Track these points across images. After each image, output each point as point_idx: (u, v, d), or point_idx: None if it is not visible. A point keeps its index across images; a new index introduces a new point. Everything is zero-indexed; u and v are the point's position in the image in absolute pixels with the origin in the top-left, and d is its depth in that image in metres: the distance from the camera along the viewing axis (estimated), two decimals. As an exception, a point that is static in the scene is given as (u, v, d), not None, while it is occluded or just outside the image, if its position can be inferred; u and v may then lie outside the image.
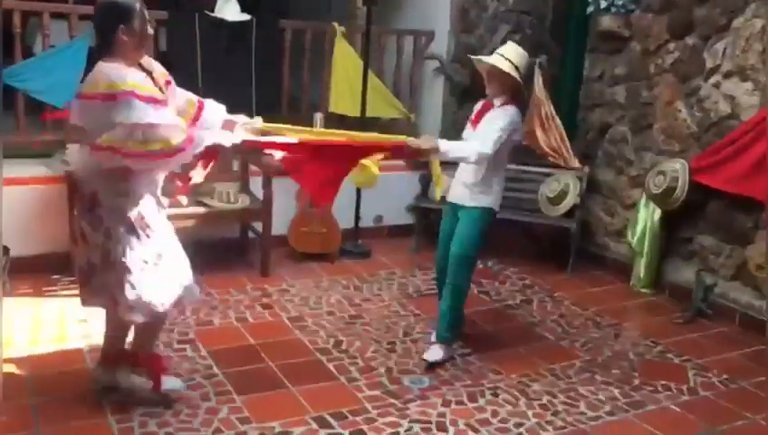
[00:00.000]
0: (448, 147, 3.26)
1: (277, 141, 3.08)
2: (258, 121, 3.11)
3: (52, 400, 3.00)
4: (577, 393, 3.35)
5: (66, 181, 4.18)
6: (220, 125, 3.02)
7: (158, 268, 2.80)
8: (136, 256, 2.75)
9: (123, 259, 2.73)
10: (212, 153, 2.83)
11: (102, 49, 2.69)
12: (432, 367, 3.47)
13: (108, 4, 2.70)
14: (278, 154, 3.09)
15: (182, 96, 2.98)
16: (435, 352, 3.51)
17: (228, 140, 2.83)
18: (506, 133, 3.33)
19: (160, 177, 2.89)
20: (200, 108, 3.02)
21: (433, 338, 3.59)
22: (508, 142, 3.39)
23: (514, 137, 3.42)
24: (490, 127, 3.33)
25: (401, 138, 3.34)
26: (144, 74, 2.72)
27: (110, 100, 2.57)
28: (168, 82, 2.85)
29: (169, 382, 3.05)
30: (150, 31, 2.77)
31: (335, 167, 3.13)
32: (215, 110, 3.05)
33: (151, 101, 2.64)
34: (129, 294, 2.75)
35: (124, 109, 2.57)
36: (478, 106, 3.55)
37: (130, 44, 2.68)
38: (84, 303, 2.96)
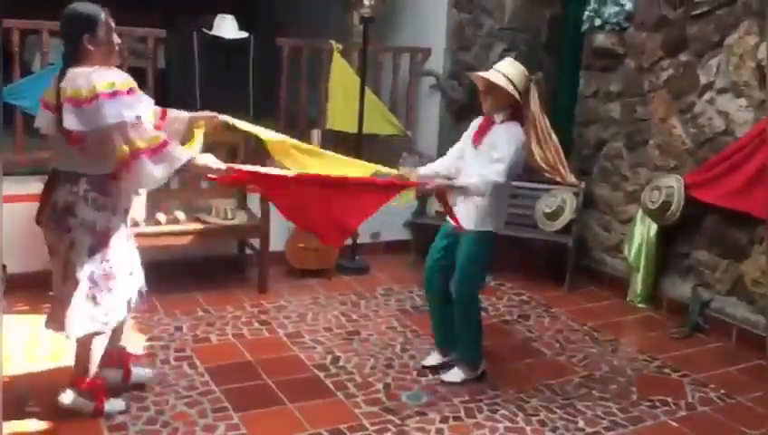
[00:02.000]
0: (464, 184, 3.22)
1: (267, 173, 2.97)
2: (223, 116, 3.12)
3: (48, 416, 2.99)
4: (575, 409, 3.35)
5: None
6: (186, 124, 3.08)
7: (110, 287, 2.86)
8: (93, 271, 2.82)
9: (79, 274, 2.79)
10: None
11: (70, 57, 2.74)
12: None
13: (72, 14, 2.76)
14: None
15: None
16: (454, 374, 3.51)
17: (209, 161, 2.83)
18: (517, 155, 3.27)
19: (133, 192, 2.96)
20: (164, 112, 3.08)
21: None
22: (516, 163, 3.32)
23: (520, 159, 3.34)
24: (499, 153, 3.23)
25: (393, 172, 3.31)
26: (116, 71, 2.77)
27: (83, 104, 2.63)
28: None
29: (112, 405, 3.03)
30: (117, 40, 2.82)
31: (340, 210, 3.02)
32: (177, 112, 3.11)
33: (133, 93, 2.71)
34: (78, 307, 2.81)
35: (113, 108, 2.62)
36: (478, 122, 3.45)
37: (96, 53, 2.74)
38: (47, 325, 3.00)
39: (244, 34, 4.91)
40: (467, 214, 3.33)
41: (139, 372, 3.28)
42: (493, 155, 3.26)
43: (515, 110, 3.31)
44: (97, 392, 3.00)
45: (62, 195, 2.79)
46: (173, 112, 3.11)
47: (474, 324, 3.51)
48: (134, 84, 2.75)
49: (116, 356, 3.20)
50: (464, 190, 3.24)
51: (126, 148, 2.66)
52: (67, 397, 2.98)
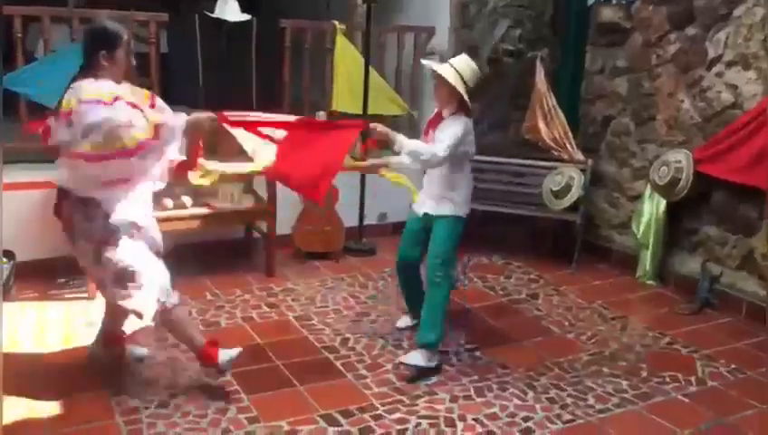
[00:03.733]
0: (405, 142, 3.35)
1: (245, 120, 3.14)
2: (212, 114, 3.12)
3: (59, 401, 3.01)
4: (585, 386, 3.35)
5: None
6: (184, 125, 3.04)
7: (145, 269, 2.95)
8: (127, 256, 2.90)
9: (116, 259, 2.88)
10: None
11: (85, 69, 2.86)
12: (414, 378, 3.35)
13: (96, 30, 2.89)
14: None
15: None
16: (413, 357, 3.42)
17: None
18: (459, 140, 3.32)
19: (150, 185, 3.01)
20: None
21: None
22: (462, 152, 3.39)
23: (468, 148, 3.42)
24: (444, 134, 3.34)
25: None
26: (123, 87, 2.86)
27: (77, 111, 2.74)
28: (152, 104, 2.95)
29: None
30: (133, 62, 2.98)
31: (316, 162, 3.15)
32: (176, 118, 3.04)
33: (122, 101, 2.77)
34: (124, 290, 2.93)
35: (89, 114, 2.71)
36: (430, 117, 3.58)
37: (110, 70, 2.85)
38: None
39: (247, 17, 4.87)
40: (430, 202, 3.50)
41: (135, 352, 3.41)
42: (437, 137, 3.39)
43: (461, 103, 3.35)
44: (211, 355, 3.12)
45: (65, 207, 2.93)
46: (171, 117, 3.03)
47: (444, 308, 3.49)
48: (122, 95, 2.80)
49: (113, 338, 3.34)
50: (403, 147, 3.34)
51: (134, 138, 2.74)
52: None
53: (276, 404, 3.09)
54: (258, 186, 4.64)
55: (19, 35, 4.27)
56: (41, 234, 4.21)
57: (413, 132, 5.21)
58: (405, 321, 3.90)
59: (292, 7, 6.88)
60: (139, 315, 3.00)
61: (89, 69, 2.85)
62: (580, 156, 4.94)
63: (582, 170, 4.92)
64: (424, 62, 3.63)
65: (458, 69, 3.33)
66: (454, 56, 5.27)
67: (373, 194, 5.03)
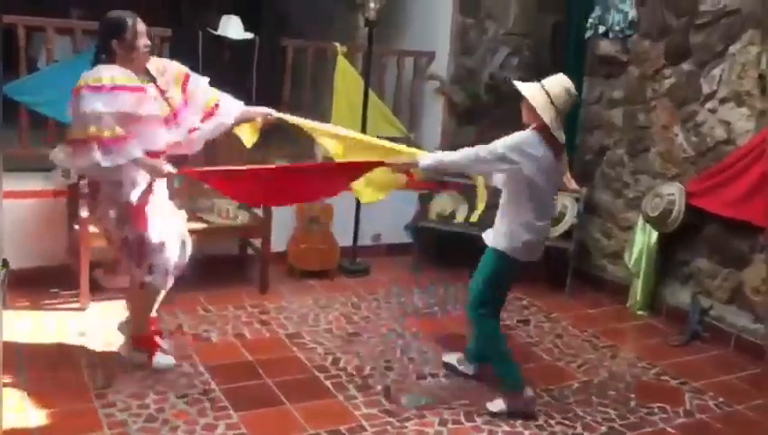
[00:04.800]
0: (431, 157, 3.30)
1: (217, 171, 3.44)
2: (272, 111, 3.49)
3: (48, 412, 3.00)
4: (574, 414, 3.36)
5: (66, 195, 4.20)
6: (236, 115, 3.41)
7: (165, 241, 3.22)
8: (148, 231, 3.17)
9: (138, 234, 3.15)
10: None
11: (99, 56, 3.11)
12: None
13: (105, 20, 3.16)
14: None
15: (203, 93, 3.33)
16: (496, 404, 3.33)
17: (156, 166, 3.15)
18: (512, 149, 3.08)
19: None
20: (216, 105, 3.36)
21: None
22: (520, 176, 3.11)
23: (530, 172, 3.08)
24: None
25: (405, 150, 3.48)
26: (125, 71, 3.07)
27: (75, 94, 3.01)
28: (184, 82, 3.29)
29: (163, 359, 3.44)
30: (142, 42, 3.11)
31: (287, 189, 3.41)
32: (231, 104, 3.40)
33: (120, 88, 3.01)
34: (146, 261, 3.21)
35: (81, 100, 2.98)
36: None
37: (121, 54, 3.08)
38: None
39: (250, 35, 4.92)
40: (494, 228, 3.31)
41: (162, 360, 3.47)
42: None
43: (544, 127, 3.11)
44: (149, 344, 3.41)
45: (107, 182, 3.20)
46: (224, 105, 3.37)
47: (494, 352, 3.36)
48: (127, 81, 3.05)
49: (142, 339, 3.45)
50: (435, 161, 3.28)
51: (90, 131, 2.97)
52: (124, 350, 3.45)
53: (265, 422, 3.08)
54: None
55: (22, 44, 4.30)
56: (35, 242, 4.21)
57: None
58: (453, 357, 3.66)
59: (294, 27, 6.96)
60: (150, 287, 3.29)
61: (106, 55, 3.09)
62: (574, 185, 4.99)
63: (576, 199, 4.97)
64: (517, 84, 3.19)
65: (549, 91, 3.11)
66: (453, 81, 5.44)
67: (368, 215, 5.05)
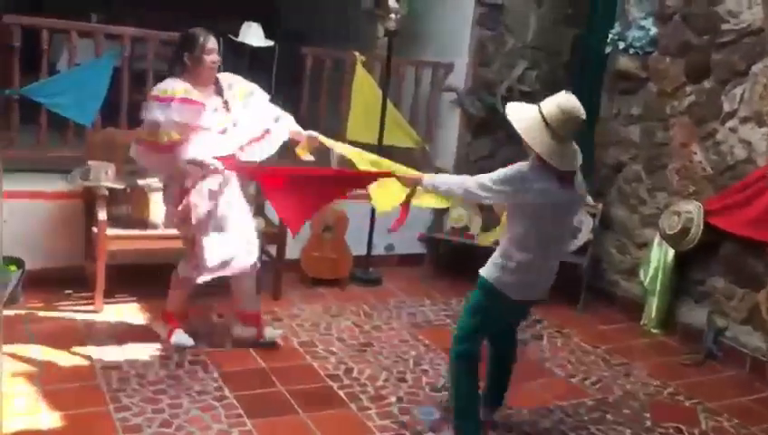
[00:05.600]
0: (433, 179, 3.09)
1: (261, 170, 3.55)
2: (318, 136, 3.67)
3: (61, 415, 2.99)
4: (588, 432, 3.33)
5: (84, 197, 4.21)
6: (285, 138, 3.64)
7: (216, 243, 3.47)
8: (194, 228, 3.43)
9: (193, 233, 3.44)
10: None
11: (172, 69, 3.43)
12: None
13: (182, 34, 3.48)
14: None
15: (262, 113, 3.59)
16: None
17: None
18: (499, 185, 2.78)
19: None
20: (267, 131, 3.60)
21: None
22: (521, 206, 2.83)
23: (525, 203, 2.80)
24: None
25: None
26: (188, 85, 3.37)
27: (147, 101, 3.42)
28: (248, 98, 3.57)
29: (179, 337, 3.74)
30: (209, 58, 3.38)
31: (314, 196, 3.41)
32: (283, 127, 3.63)
33: (181, 101, 3.31)
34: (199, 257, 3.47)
35: (147, 108, 3.35)
36: None
37: (190, 67, 3.40)
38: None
39: (270, 43, 4.94)
40: (492, 255, 2.99)
41: (270, 333, 3.83)
42: None
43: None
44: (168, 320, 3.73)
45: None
46: (283, 122, 3.62)
47: (458, 394, 3.03)
48: (188, 95, 3.34)
49: (250, 316, 3.80)
50: (432, 185, 3.06)
51: (151, 136, 3.35)
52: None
53: (278, 430, 3.08)
54: (269, 209, 4.66)
55: (45, 47, 4.32)
56: (51, 243, 4.22)
57: (426, 165, 5.26)
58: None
59: (312, 35, 6.99)
60: (187, 282, 3.59)
61: (176, 69, 3.40)
62: (590, 200, 4.98)
63: (592, 214, 4.95)
64: (508, 108, 2.90)
65: (544, 111, 2.76)
66: (470, 93, 5.44)
67: (382, 225, 5.04)
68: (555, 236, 2.93)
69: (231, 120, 3.47)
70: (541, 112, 2.77)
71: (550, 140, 2.75)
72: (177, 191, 3.42)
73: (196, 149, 3.35)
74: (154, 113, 3.31)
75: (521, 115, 2.83)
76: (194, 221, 3.38)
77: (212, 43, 3.40)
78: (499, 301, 2.91)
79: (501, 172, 2.82)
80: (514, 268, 2.86)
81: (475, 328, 2.99)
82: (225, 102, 3.48)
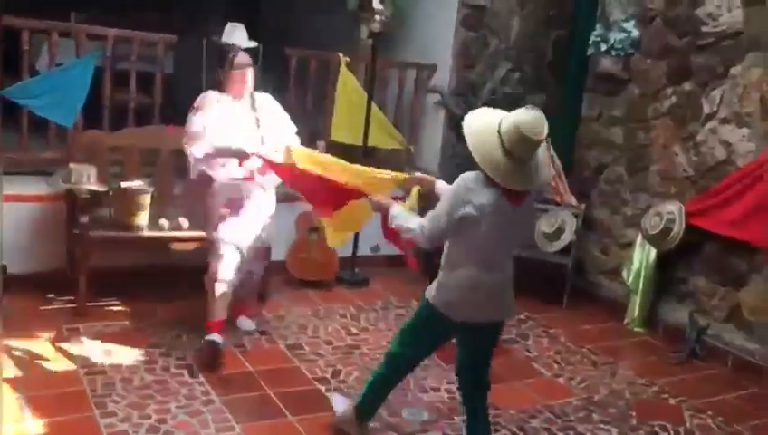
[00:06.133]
0: (396, 212, 2.84)
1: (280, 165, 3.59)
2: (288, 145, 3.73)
3: (46, 421, 2.95)
4: (576, 432, 3.36)
5: (65, 199, 4.16)
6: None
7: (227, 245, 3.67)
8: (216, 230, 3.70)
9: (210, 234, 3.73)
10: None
11: (216, 77, 3.76)
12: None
13: (218, 48, 3.79)
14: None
15: (275, 134, 3.78)
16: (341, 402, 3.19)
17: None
18: (451, 214, 2.61)
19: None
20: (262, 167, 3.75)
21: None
22: (459, 222, 2.61)
23: (463, 212, 2.60)
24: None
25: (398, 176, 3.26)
26: (221, 96, 3.71)
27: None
28: (269, 114, 3.85)
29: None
30: (237, 73, 3.68)
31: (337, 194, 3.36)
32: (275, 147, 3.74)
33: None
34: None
35: (188, 115, 3.70)
36: None
37: (223, 82, 3.73)
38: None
39: (254, 44, 4.89)
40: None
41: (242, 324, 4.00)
42: None
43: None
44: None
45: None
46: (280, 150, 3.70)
47: (378, 377, 3.00)
48: (218, 105, 3.66)
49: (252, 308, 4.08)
50: (393, 218, 2.84)
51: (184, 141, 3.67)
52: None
53: (267, 434, 3.06)
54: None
55: (26, 48, 4.26)
56: (33, 247, 4.16)
57: (410, 166, 5.27)
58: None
59: (296, 37, 6.95)
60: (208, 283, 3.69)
61: (217, 80, 3.75)
62: (573, 200, 5.02)
63: (575, 215, 4.99)
64: (466, 118, 2.70)
65: (502, 129, 2.57)
66: (454, 94, 5.45)
67: (367, 226, 5.02)
68: (501, 255, 2.75)
69: (259, 137, 3.70)
70: (499, 129, 2.56)
71: (501, 157, 2.54)
72: (198, 191, 3.75)
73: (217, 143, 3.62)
74: (190, 119, 3.65)
75: (479, 126, 2.62)
76: (215, 219, 3.65)
77: (240, 59, 3.67)
78: (440, 322, 2.74)
79: (447, 192, 2.70)
80: (453, 286, 2.70)
81: (410, 341, 2.90)
82: (257, 119, 3.76)
